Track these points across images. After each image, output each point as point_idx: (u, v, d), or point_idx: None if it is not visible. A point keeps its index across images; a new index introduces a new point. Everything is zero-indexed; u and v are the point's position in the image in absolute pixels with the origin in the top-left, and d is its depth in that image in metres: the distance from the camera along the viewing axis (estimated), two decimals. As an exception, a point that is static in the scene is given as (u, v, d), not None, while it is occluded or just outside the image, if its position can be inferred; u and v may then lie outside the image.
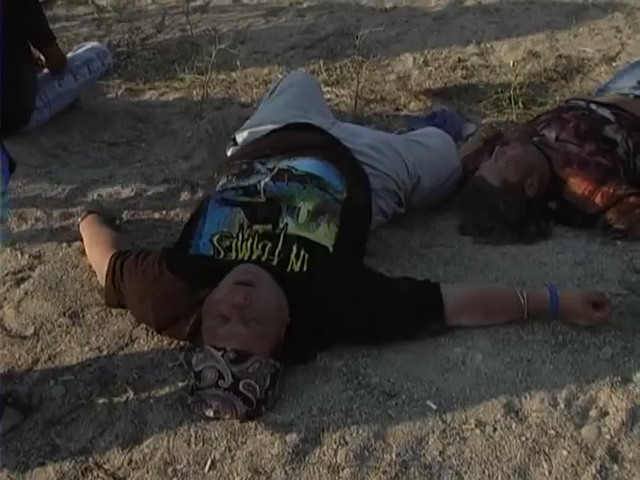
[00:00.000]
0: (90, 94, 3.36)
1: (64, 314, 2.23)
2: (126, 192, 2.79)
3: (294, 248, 2.07)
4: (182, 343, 2.08)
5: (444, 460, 1.80)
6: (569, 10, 4.48)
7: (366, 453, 1.81)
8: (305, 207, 2.16)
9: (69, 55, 3.24)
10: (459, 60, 3.87)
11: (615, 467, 1.79)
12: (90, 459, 1.80)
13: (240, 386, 1.81)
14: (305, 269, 2.05)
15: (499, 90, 3.48)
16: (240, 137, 2.65)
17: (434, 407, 1.93)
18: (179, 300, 2.03)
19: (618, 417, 1.91)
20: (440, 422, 1.89)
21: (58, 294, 2.30)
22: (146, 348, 2.11)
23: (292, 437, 1.84)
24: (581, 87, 3.62)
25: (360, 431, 1.86)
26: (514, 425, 1.89)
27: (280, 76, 3.04)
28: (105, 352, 2.11)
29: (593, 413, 1.93)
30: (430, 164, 2.65)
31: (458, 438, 1.86)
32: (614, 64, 3.83)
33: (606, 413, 1.93)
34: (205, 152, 3.01)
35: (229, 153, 2.64)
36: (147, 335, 2.15)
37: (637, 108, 2.89)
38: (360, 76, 3.61)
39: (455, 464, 1.79)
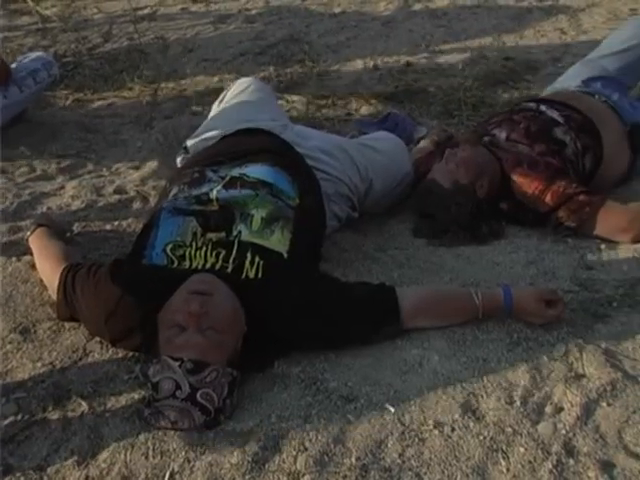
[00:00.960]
0: (37, 106, 3.32)
1: (15, 330, 2.20)
2: (76, 204, 2.76)
3: (248, 255, 2.06)
4: (138, 355, 2.06)
5: (404, 462, 1.81)
6: (515, 13, 4.54)
7: (326, 458, 1.81)
8: (258, 214, 2.16)
9: (13, 66, 3.18)
10: (409, 64, 3.90)
11: (571, 461, 1.81)
12: (45, 477, 1.77)
13: (198, 396, 1.80)
14: (260, 276, 2.05)
15: (449, 93, 3.52)
16: (191, 145, 2.64)
17: (392, 410, 1.94)
18: (133, 311, 2.01)
19: (573, 412, 1.94)
20: (399, 424, 1.90)
21: (8, 310, 2.27)
22: (100, 361, 2.09)
23: (251, 445, 1.83)
24: (529, 88, 3.67)
25: (319, 437, 1.86)
26: (472, 424, 1.91)
27: (230, 83, 3.02)
28: (58, 367, 2.08)
29: (548, 409, 1.96)
30: (382, 167, 2.67)
31: (417, 439, 1.87)
32: (560, 65, 3.88)
33: (561, 409, 1.96)
34: (156, 161, 2.99)
35: (180, 162, 2.63)
36: (101, 348, 2.12)
37: (584, 105, 2.93)
38: (311, 82, 3.62)
39: (415, 465, 1.80)
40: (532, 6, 4.62)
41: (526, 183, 2.67)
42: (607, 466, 1.80)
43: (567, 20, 4.42)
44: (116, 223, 2.66)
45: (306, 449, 1.83)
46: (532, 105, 2.98)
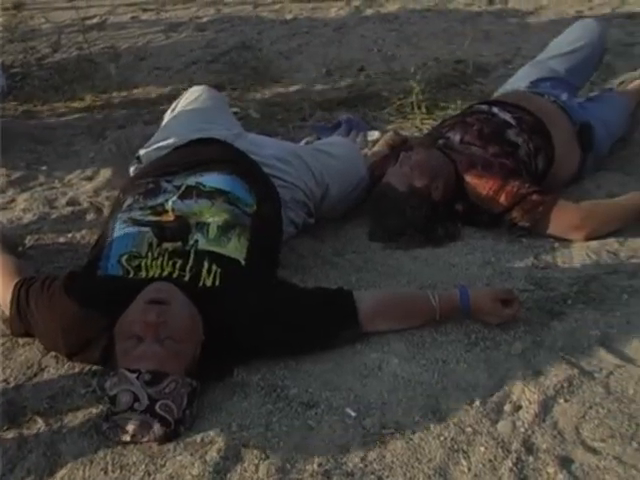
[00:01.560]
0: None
1: (-32, 348, 2.16)
2: (28, 217, 2.72)
3: (205, 263, 2.06)
4: (95, 368, 2.03)
5: (366, 466, 1.81)
6: (465, 16, 4.58)
7: (288, 466, 1.81)
8: (215, 222, 2.15)
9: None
10: (361, 68, 3.92)
11: (530, 459, 1.83)
12: (1, 497, 1.74)
13: (157, 407, 1.79)
14: (217, 284, 2.04)
15: (402, 96, 3.54)
16: (144, 155, 2.62)
17: (353, 414, 1.94)
18: (89, 324, 1.99)
19: (531, 410, 1.96)
20: (360, 428, 1.90)
21: (-41, 327, 2.23)
22: (56, 376, 2.06)
23: (212, 455, 1.82)
24: (481, 90, 3.70)
25: (281, 444, 1.86)
26: (432, 426, 1.92)
27: (183, 92, 3.00)
28: (13, 384, 2.04)
29: (507, 408, 1.97)
30: (337, 172, 2.68)
31: (378, 443, 1.87)
32: (511, 66, 3.92)
33: (519, 407, 1.97)
34: (109, 172, 2.97)
35: (134, 172, 2.61)
36: (57, 363, 2.09)
37: (535, 106, 2.97)
38: (264, 88, 3.62)
39: (377, 469, 1.80)
40: (482, 10, 4.66)
41: (480, 184, 2.69)
42: (566, 462, 1.82)
43: (516, 23, 4.47)
44: (70, 235, 2.63)
45: (268, 457, 1.82)
46: (484, 107, 3.01)
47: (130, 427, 1.80)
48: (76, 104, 3.46)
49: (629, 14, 4.57)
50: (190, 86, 3.06)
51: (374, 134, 3.26)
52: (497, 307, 2.20)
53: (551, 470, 1.80)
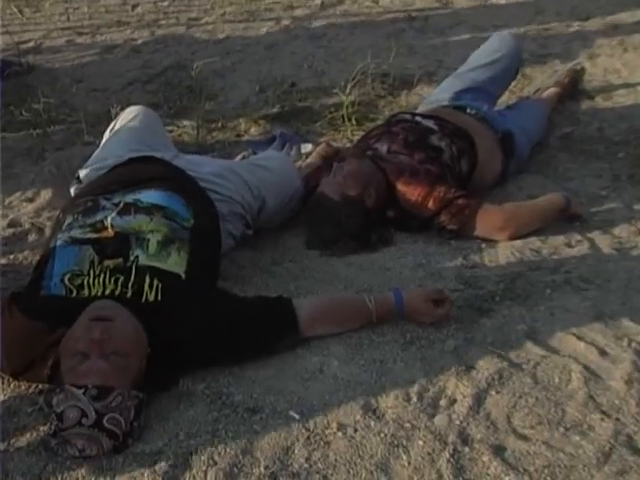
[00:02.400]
0: None
1: None
2: (-30, 240, 2.68)
3: (147, 278, 2.04)
4: (41, 386, 1.99)
5: (310, 466, 1.81)
6: (389, 32, 4.61)
7: (235, 470, 1.80)
8: (154, 238, 2.13)
9: None
10: (293, 84, 3.92)
11: (466, 449, 1.85)
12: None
13: (104, 421, 1.76)
14: (160, 298, 2.02)
15: (333, 110, 3.55)
16: (84, 175, 2.58)
17: (297, 417, 1.94)
18: (34, 343, 1.95)
19: (465, 403, 1.98)
20: (304, 430, 1.90)
21: None
22: (2, 397, 2.01)
23: (161, 465, 1.80)
24: (407, 101, 3.73)
25: (228, 449, 1.85)
26: (373, 424, 1.92)
27: (120, 112, 2.98)
28: (-40, 406, 2.00)
29: (443, 402, 1.99)
30: (273, 185, 2.67)
31: (322, 443, 1.87)
32: (434, 78, 3.96)
33: (454, 401, 1.99)
34: (50, 193, 2.92)
35: (74, 192, 2.57)
36: (2, 383, 2.04)
37: (456, 117, 3.01)
38: (199, 106, 3.60)
39: (321, 468, 1.81)
40: (405, 25, 4.70)
41: (409, 191, 2.71)
42: (499, 450, 1.85)
43: (438, 37, 4.52)
44: (12, 256, 2.59)
45: (216, 463, 1.81)
46: (408, 116, 3.04)
47: (79, 442, 1.77)
48: (14, 127, 3.40)
49: (542, 27, 4.67)
50: (127, 106, 3.04)
51: (307, 146, 3.26)
52: (430, 307, 2.22)
53: (486, 459, 1.82)
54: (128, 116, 2.87)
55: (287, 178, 2.79)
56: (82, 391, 1.76)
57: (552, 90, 3.68)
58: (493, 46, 3.50)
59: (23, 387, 2.03)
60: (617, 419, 1.94)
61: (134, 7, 4.92)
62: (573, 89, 3.78)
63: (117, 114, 2.99)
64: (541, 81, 3.91)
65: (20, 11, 4.73)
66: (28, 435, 1.90)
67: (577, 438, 1.89)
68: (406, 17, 4.84)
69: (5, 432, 1.90)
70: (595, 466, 1.81)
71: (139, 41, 4.45)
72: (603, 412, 1.96)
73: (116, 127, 2.84)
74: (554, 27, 4.67)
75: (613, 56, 4.26)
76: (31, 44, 4.33)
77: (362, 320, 2.22)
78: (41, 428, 1.90)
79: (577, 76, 3.85)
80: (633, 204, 2.90)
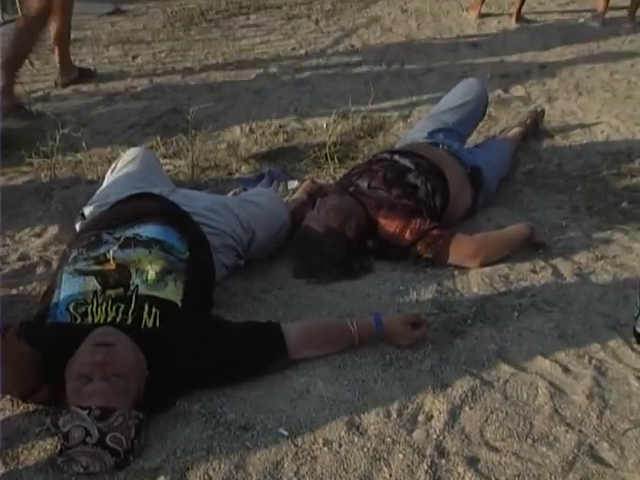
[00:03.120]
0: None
1: None
2: (-17, 272, 2.66)
3: (146, 306, 2.03)
4: (48, 408, 1.96)
5: (299, 479, 1.80)
6: (368, 78, 4.65)
7: (229, 484, 1.79)
8: (152, 269, 2.12)
9: None
10: (280, 126, 3.93)
11: (443, 461, 1.85)
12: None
13: (107, 440, 1.75)
14: (158, 325, 2.01)
15: (316, 149, 3.55)
16: (87, 211, 2.58)
17: (286, 434, 1.93)
18: (41, 368, 1.93)
19: (441, 418, 1.98)
20: (292, 446, 1.89)
21: None
22: (12, 418, 1.99)
23: (160, 480, 1.80)
24: (384, 141, 3.75)
25: (222, 465, 1.83)
26: (356, 439, 1.92)
27: (122, 153, 2.98)
28: (-29, 427, 1.97)
29: (421, 418, 1.99)
30: (262, 219, 2.67)
31: (309, 458, 1.86)
32: (409, 120, 4.00)
33: (431, 416, 1.99)
34: (57, 228, 2.90)
35: (79, 227, 2.56)
36: (12, 405, 2.02)
37: (431, 154, 3.02)
38: (194, 147, 3.60)
39: (309, 481, 1.80)
40: (382, 71, 4.74)
41: (388, 223, 2.72)
42: (473, 461, 1.85)
43: (412, 82, 4.55)
44: (21, 288, 2.56)
45: (211, 478, 1.80)
46: (387, 156, 3.05)
47: (83, 460, 1.76)
48: (24, 168, 3.38)
49: (504, 74, 4.72)
50: (128, 148, 3.05)
51: (293, 183, 3.26)
52: (407, 330, 2.23)
53: (461, 470, 1.83)
54: (128, 157, 2.86)
55: (275, 213, 2.79)
56: (86, 412, 1.75)
57: (516, 130, 3.72)
58: (462, 91, 3.53)
59: (31, 408, 2.00)
60: (580, 431, 1.95)
61: (134, 58, 4.94)
62: (535, 129, 3.83)
63: (118, 155, 3.00)
64: (506, 122, 3.95)
65: (31, 63, 4.74)
66: (36, 454, 1.87)
67: (544, 449, 1.89)
68: (384, 64, 4.88)
69: (15, 451, 1.88)
70: (560, 474, 1.82)
71: (139, 89, 4.46)
72: (567, 424, 1.97)
73: (117, 167, 2.83)
74: (516, 73, 4.72)
75: (569, 99, 4.31)
76: (40, 93, 4.33)
77: (345, 342, 2.21)
78: (48, 447, 1.88)
79: (538, 117, 3.90)
80: (591, 233, 2.92)
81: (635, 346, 2.27)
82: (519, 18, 5.76)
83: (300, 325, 2.27)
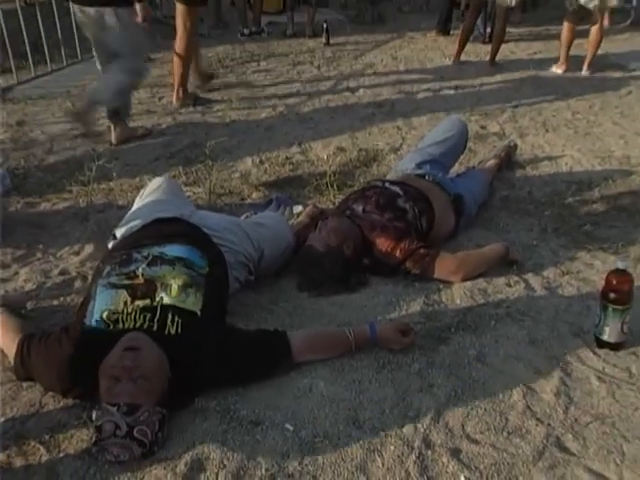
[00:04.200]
0: (-6, 210, 3.21)
1: (-19, 392, 2.08)
2: (29, 286, 2.65)
3: (169, 315, 2.02)
4: (84, 403, 1.97)
5: (303, 468, 1.80)
6: (363, 116, 4.68)
7: (241, 472, 1.78)
8: (176, 283, 2.12)
9: (-26, 181, 3.10)
10: (286, 158, 3.95)
11: (429, 452, 1.85)
12: (12, 512, 1.66)
13: (134, 432, 1.75)
14: (180, 331, 2.01)
15: (318, 178, 3.56)
16: (119, 233, 2.58)
17: (291, 428, 1.92)
18: (79, 368, 1.93)
19: (428, 415, 1.98)
20: (297, 439, 1.89)
21: (-25, 376, 2.15)
22: (54, 411, 1.99)
23: (181, 468, 1.79)
24: (378, 171, 3.76)
25: (235, 455, 1.83)
26: (353, 433, 1.91)
27: (148, 182, 2.99)
28: (19, 420, 1.97)
29: (410, 414, 1.99)
30: (270, 239, 2.67)
31: (312, 449, 1.86)
32: (399, 152, 4.01)
33: (419, 412, 1.99)
34: (92, 247, 2.91)
35: (111, 246, 2.57)
36: (54, 401, 2.02)
37: (418, 183, 3.03)
38: (212, 176, 3.62)
39: (312, 470, 1.80)
40: (376, 111, 4.76)
41: (381, 243, 2.71)
42: (455, 452, 1.85)
43: (401, 120, 4.57)
44: (62, 299, 2.57)
45: (225, 466, 1.80)
46: (379, 183, 3.05)
47: (114, 450, 1.76)
48: (65, 195, 3.40)
49: (482, 113, 4.75)
50: (153, 177, 3.06)
51: (298, 208, 3.27)
52: (398, 336, 2.23)
53: (445, 460, 1.82)
54: (154, 185, 2.88)
55: (281, 234, 2.79)
56: (116, 408, 1.75)
57: (492, 161, 3.73)
58: (445, 127, 3.55)
59: (71, 404, 2.01)
60: (548, 424, 1.95)
61: (160, 99, 4.97)
62: (508, 161, 3.83)
63: (145, 184, 3.01)
64: (483, 154, 3.96)
65: (73, 105, 4.76)
66: (75, 443, 1.88)
67: (517, 440, 1.90)
68: (377, 104, 4.91)
69: (56, 441, 1.89)
70: (531, 462, 1.82)
71: (163, 125, 4.48)
72: (537, 419, 1.97)
73: (144, 194, 2.84)
74: (492, 113, 4.75)
75: (538, 135, 4.33)
76: (80, 130, 4.32)
77: (344, 348, 2.21)
78: (84, 438, 1.88)
79: (511, 151, 3.91)
80: (558, 251, 2.92)
81: (596, 350, 2.27)
82: (494, 65, 5.80)
83: (304, 333, 2.26)
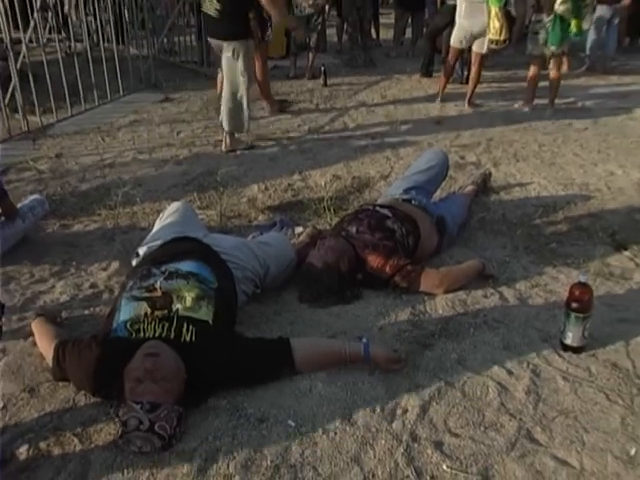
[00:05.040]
0: (35, 231, 3.20)
1: (24, 390, 2.09)
2: (63, 297, 2.66)
3: (185, 324, 2.03)
4: (112, 401, 1.96)
5: (304, 460, 1.81)
6: (356, 147, 4.69)
7: (249, 463, 1.79)
8: (189, 296, 2.13)
9: (18, 206, 3.09)
10: (288, 185, 3.95)
11: (416, 445, 1.86)
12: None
13: (155, 427, 1.76)
14: (194, 339, 2.01)
15: (317, 202, 3.57)
16: (141, 251, 2.59)
17: (293, 424, 1.93)
18: (107, 370, 1.95)
19: (414, 412, 1.98)
20: (298, 434, 1.90)
21: (19, 376, 2.16)
22: (86, 408, 2.00)
23: (196, 459, 1.80)
24: (369, 196, 3.76)
25: (243, 448, 1.83)
26: (348, 428, 1.92)
27: (167, 206, 3.00)
28: (56, 415, 1.98)
29: (399, 411, 1.99)
30: (274, 257, 2.68)
31: (312, 443, 1.86)
32: (388, 179, 4.02)
33: (407, 410, 2.00)
34: (118, 264, 2.92)
35: (134, 263, 2.58)
36: (86, 399, 2.03)
37: (404, 207, 3.04)
38: (222, 201, 3.63)
39: (311, 461, 1.80)
40: (368, 143, 4.76)
41: (372, 260, 2.71)
42: (439, 444, 1.86)
43: (390, 151, 4.58)
44: (91, 309, 2.57)
45: (235, 458, 1.80)
46: (370, 207, 3.05)
47: (137, 442, 1.78)
48: (95, 218, 3.40)
49: (460, 145, 4.77)
50: (172, 202, 3.07)
51: (299, 229, 3.26)
52: (389, 365, 2.15)
53: (429, 451, 1.83)
54: (171, 209, 2.89)
55: (284, 252, 2.80)
56: (139, 406, 1.77)
57: (470, 188, 3.74)
58: (428, 157, 3.56)
59: (100, 402, 2.02)
60: (520, 419, 1.96)
61: (178, 133, 4.98)
62: (484, 187, 3.84)
63: (164, 208, 3.02)
64: (462, 181, 3.97)
65: (102, 139, 4.80)
66: (103, 436, 1.89)
67: (493, 434, 1.90)
68: (368, 137, 4.93)
69: (88, 433, 1.91)
70: (505, 452, 1.83)
71: (181, 156, 4.49)
72: (510, 414, 1.98)
73: (164, 217, 2.85)
74: (469, 145, 4.76)
75: (510, 164, 4.35)
76: (108, 161, 4.36)
77: (339, 361, 2.16)
78: (112, 431, 1.89)
79: (486, 178, 3.92)
80: (528, 267, 2.93)
81: (561, 353, 2.28)
82: (471, 103, 5.84)
83: (305, 343, 2.21)
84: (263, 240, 2.87)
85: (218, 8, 4.24)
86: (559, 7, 5.11)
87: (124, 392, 1.87)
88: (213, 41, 4.47)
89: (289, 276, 2.77)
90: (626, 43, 8.67)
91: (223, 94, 4.51)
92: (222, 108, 4.52)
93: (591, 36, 7.26)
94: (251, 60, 4.45)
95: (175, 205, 2.95)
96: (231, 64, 4.33)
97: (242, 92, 4.41)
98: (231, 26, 4.25)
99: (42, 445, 1.86)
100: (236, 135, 4.62)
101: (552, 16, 5.18)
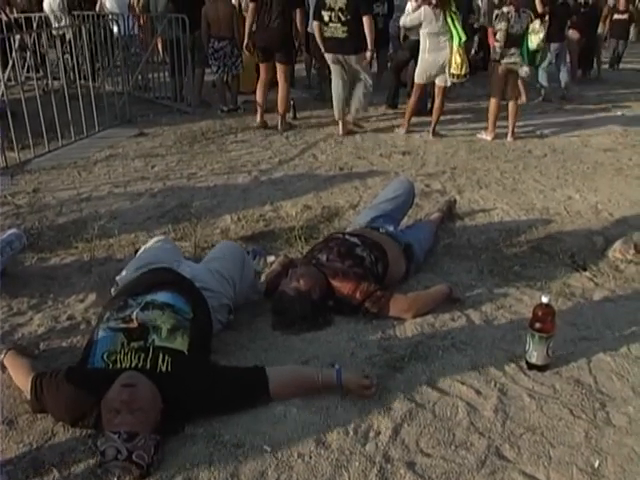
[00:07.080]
0: (13, 264, 3.16)
1: (3, 422, 2.06)
2: (41, 330, 2.63)
3: (160, 355, 2.03)
4: (90, 432, 1.96)
5: (280, 484, 1.79)
6: (325, 178, 4.73)
7: (226, 489, 1.77)
8: (165, 326, 2.12)
9: (-4, 240, 3.07)
10: (260, 215, 3.95)
11: (389, 466, 1.87)
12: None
13: (133, 457, 1.75)
14: (170, 369, 2.01)
15: (288, 232, 3.58)
16: (120, 280, 2.59)
17: (269, 449, 1.93)
18: (84, 402, 1.93)
19: (387, 434, 1.99)
20: (274, 459, 1.89)
21: (-3, 409, 2.12)
22: (64, 439, 1.98)
23: (174, 488, 1.77)
24: (339, 224, 3.78)
25: (220, 475, 1.83)
26: (322, 452, 1.92)
27: (142, 238, 2.99)
28: (35, 446, 1.96)
29: (371, 434, 2.00)
30: (230, 264, 2.68)
31: (287, 468, 1.86)
32: (357, 208, 4.05)
33: (379, 432, 2.01)
34: (95, 295, 2.89)
35: (113, 293, 2.55)
36: (64, 430, 2.01)
37: (372, 234, 3.06)
38: (196, 232, 3.63)
39: (287, 486, 1.79)
40: (336, 174, 4.78)
41: (342, 287, 2.72)
42: (411, 465, 1.87)
43: (358, 181, 4.61)
44: (69, 341, 2.54)
45: (212, 485, 1.78)
46: (340, 235, 3.06)
47: (116, 471, 1.77)
48: (72, 251, 3.36)
49: (426, 174, 4.85)
50: (148, 234, 3.06)
51: (271, 258, 3.26)
52: (361, 391, 2.16)
53: (402, 471, 1.84)
54: (151, 242, 2.92)
55: (234, 252, 2.82)
56: (117, 436, 1.76)
57: (436, 215, 3.79)
58: (395, 186, 3.60)
59: (78, 433, 2.00)
60: (489, 437, 1.99)
61: (152, 167, 4.97)
62: (449, 213, 3.89)
63: (139, 240, 3.00)
64: (428, 209, 4.01)
65: (79, 174, 4.78)
66: (82, 466, 1.87)
67: (463, 452, 1.92)
68: (337, 168, 4.98)
69: (67, 463, 1.88)
70: (476, 470, 1.85)
71: (155, 189, 4.48)
72: (480, 433, 2.00)
73: (141, 250, 2.87)
74: (434, 173, 4.82)
75: (473, 192, 4.42)
76: (85, 195, 4.30)
77: (312, 388, 2.16)
78: (91, 461, 1.87)
79: (451, 205, 3.97)
80: (493, 289, 2.98)
81: (527, 371, 2.32)
82: (435, 133, 5.96)
83: (280, 370, 2.21)
84: (213, 256, 2.84)
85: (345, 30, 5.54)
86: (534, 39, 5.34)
87: (102, 422, 1.85)
88: (338, 56, 5.70)
89: (255, 287, 2.84)
90: (579, 75, 8.99)
91: (357, 89, 5.90)
92: (354, 99, 5.95)
93: (545, 70, 7.51)
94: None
95: (155, 239, 2.98)
96: (358, 68, 5.78)
97: (369, 84, 5.92)
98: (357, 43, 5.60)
99: (21, 477, 1.83)
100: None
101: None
